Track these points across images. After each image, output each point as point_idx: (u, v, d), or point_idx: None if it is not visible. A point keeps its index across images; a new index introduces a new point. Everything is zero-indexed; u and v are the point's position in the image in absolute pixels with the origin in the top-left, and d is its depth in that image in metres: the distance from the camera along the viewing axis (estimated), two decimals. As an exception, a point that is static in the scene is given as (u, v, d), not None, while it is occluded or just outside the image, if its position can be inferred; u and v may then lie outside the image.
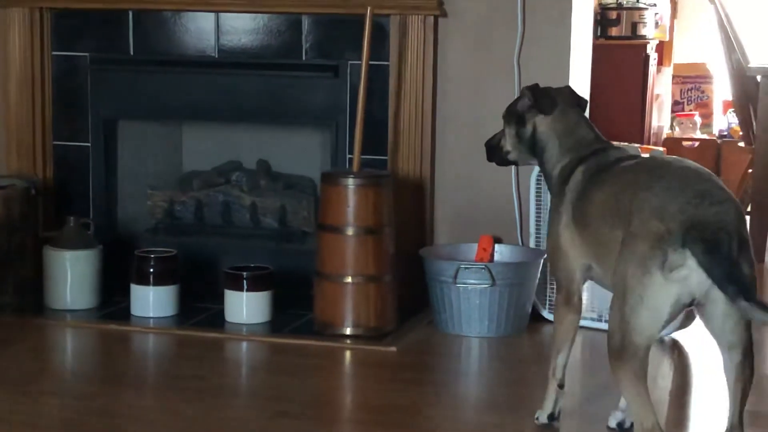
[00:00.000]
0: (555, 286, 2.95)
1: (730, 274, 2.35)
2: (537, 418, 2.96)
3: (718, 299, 2.43)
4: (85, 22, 4.36)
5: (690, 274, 2.40)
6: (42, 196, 4.33)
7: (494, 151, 3.08)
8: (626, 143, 4.28)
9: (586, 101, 3.08)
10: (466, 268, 3.81)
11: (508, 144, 3.02)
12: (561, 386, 2.93)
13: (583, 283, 2.86)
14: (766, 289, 4.58)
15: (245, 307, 3.91)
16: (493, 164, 3.13)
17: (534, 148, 2.96)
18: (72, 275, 4.03)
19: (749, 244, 2.46)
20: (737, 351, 2.51)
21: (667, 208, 2.44)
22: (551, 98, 2.95)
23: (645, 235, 2.44)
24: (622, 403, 2.92)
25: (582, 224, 2.74)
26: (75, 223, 4.08)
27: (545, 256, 3.94)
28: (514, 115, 2.99)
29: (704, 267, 2.37)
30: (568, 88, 3.08)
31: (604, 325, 3.82)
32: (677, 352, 3.70)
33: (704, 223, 2.40)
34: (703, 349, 3.66)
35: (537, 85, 2.99)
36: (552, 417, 2.95)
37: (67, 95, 4.40)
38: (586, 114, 3.06)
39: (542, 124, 2.94)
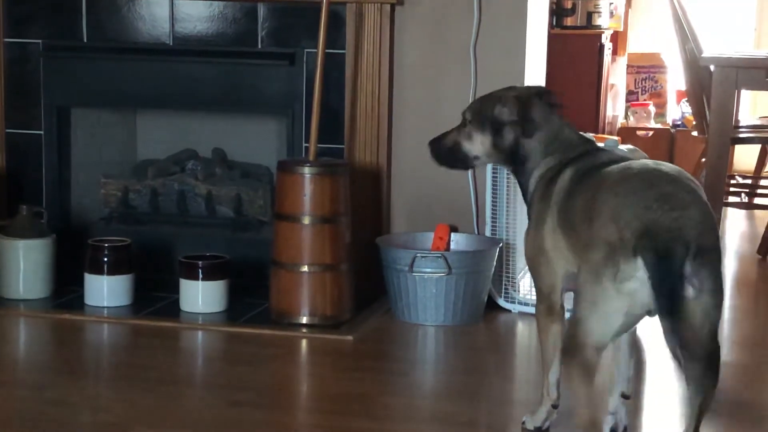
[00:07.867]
0: (535, 297, 2.78)
1: (671, 291, 2.26)
2: (524, 422, 2.85)
3: None
4: (38, 9, 4.30)
5: (640, 288, 2.32)
6: (-6, 184, 4.28)
7: (454, 155, 2.83)
8: (581, 133, 4.28)
9: (559, 102, 2.83)
10: (422, 256, 3.82)
11: (477, 150, 2.79)
12: (555, 407, 2.82)
13: (564, 293, 2.72)
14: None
15: (201, 296, 3.89)
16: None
17: (513, 156, 2.75)
18: (25, 264, 3.99)
19: (714, 253, 2.34)
20: (699, 363, 2.39)
21: (623, 212, 2.35)
22: (535, 121, 2.72)
23: (601, 242, 2.37)
24: (611, 406, 2.81)
25: (567, 228, 2.60)
26: (28, 211, 4.04)
27: (499, 245, 3.98)
28: (489, 122, 2.76)
29: (650, 277, 2.28)
30: (542, 90, 2.83)
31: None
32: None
33: (658, 230, 2.30)
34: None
35: (522, 100, 2.73)
36: (539, 430, 2.84)
37: (19, 82, 4.35)
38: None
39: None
